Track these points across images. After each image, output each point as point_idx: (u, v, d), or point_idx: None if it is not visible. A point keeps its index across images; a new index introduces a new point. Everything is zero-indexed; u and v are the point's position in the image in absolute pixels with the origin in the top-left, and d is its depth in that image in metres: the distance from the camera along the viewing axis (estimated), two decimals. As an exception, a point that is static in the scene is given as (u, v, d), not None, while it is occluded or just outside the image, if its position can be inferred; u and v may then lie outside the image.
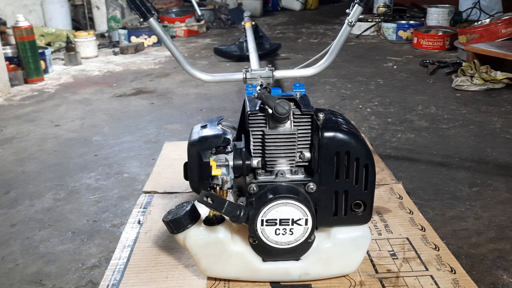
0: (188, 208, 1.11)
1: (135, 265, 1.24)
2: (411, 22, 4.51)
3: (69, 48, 3.84)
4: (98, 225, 1.50)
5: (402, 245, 1.29)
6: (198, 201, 1.02)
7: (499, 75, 2.79)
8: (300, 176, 1.09)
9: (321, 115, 1.07)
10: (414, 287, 1.13)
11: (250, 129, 1.09)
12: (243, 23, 3.28)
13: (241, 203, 1.07)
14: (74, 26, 5.03)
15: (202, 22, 5.23)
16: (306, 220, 1.05)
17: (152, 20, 1.46)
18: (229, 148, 1.10)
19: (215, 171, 1.07)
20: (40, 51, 3.36)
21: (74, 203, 1.64)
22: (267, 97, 1.04)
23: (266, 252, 1.10)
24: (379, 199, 1.52)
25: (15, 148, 2.16)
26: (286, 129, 1.08)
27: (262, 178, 1.09)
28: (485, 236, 1.37)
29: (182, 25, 5.05)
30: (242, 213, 1.03)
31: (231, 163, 1.09)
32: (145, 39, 4.49)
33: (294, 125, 1.09)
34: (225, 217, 1.10)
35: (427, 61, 3.42)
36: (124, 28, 4.64)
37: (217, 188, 1.09)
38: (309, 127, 1.09)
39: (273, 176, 1.09)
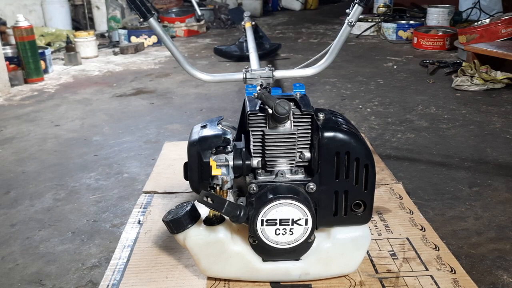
0: (188, 208, 1.11)
1: (135, 265, 1.24)
2: (411, 22, 4.51)
3: (69, 48, 3.84)
4: (98, 225, 1.50)
5: (402, 245, 1.29)
6: (198, 201, 1.02)
7: (499, 75, 2.79)
8: (300, 176, 1.09)
9: (321, 115, 1.07)
10: (414, 287, 1.13)
11: (250, 129, 1.09)
12: (243, 23, 3.28)
13: (241, 203, 1.07)
14: (74, 26, 5.03)
15: (202, 22, 5.23)
16: (306, 220, 1.05)
17: (152, 20, 1.46)
18: (229, 148, 1.10)
19: (215, 171, 1.07)
20: (40, 51, 3.36)
21: (74, 203, 1.64)
22: (267, 97, 1.04)
23: (266, 252, 1.10)
24: (379, 199, 1.52)
25: (15, 148, 2.16)
26: (286, 129, 1.08)
27: (262, 178, 1.09)
28: (485, 236, 1.37)
29: (182, 25, 5.05)
30: (242, 213, 1.03)
31: (231, 163, 1.09)
32: (145, 39, 4.49)
33: (294, 125, 1.09)
34: (225, 217, 1.10)
35: (427, 61, 3.42)
36: (124, 28, 4.64)
37: (217, 188, 1.09)
38: (309, 127, 1.09)
39: (273, 176, 1.09)
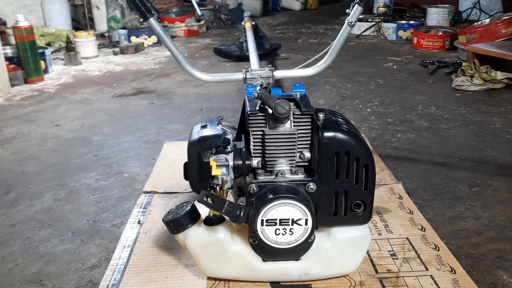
0: (188, 208, 1.11)
1: (135, 265, 1.24)
2: (411, 22, 4.51)
3: (69, 48, 3.84)
4: (98, 225, 1.50)
5: (402, 245, 1.29)
6: (198, 201, 1.02)
7: (499, 75, 2.79)
8: (300, 176, 1.09)
9: (321, 115, 1.07)
10: (414, 287, 1.13)
11: (250, 129, 1.09)
12: (243, 23, 3.28)
13: (241, 203, 1.07)
14: (74, 26, 5.03)
15: (202, 22, 5.23)
16: (306, 220, 1.05)
17: (152, 20, 1.46)
18: (229, 148, 1.10)
19: (215, 171, 1.07)
20: (40, 51, 3.36)
21: (74, 203, 1.64)
22: (267, 97, 1.04)
23: (266, 252, 1.10)
24: (379, 199, 1.52)
25: (15, 148, 2.16)
26: (286, 129, 1.08)
27: (262, 178, 1.09)
28: (485, 236, 1.37)
29: (182, 25, 5.05)
30: (242, 213, 1.03)
31: (231, 163, 1.09)
32: (145, 39, 4.49)
33: (294, 125, 1.09)
34: (225, 217, 1.10)
35: (427, 61, 3.42)
36: (124, 28, 4.64)
37: (217, 188, 1.09)
38: (309, 127, 1.09)
39: (273, 176, 1.09)
